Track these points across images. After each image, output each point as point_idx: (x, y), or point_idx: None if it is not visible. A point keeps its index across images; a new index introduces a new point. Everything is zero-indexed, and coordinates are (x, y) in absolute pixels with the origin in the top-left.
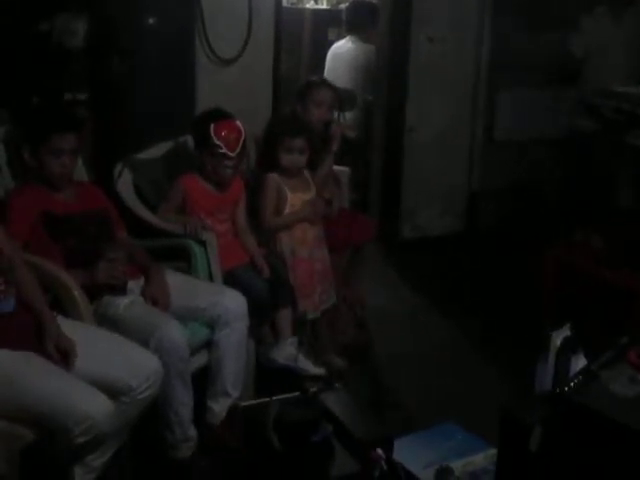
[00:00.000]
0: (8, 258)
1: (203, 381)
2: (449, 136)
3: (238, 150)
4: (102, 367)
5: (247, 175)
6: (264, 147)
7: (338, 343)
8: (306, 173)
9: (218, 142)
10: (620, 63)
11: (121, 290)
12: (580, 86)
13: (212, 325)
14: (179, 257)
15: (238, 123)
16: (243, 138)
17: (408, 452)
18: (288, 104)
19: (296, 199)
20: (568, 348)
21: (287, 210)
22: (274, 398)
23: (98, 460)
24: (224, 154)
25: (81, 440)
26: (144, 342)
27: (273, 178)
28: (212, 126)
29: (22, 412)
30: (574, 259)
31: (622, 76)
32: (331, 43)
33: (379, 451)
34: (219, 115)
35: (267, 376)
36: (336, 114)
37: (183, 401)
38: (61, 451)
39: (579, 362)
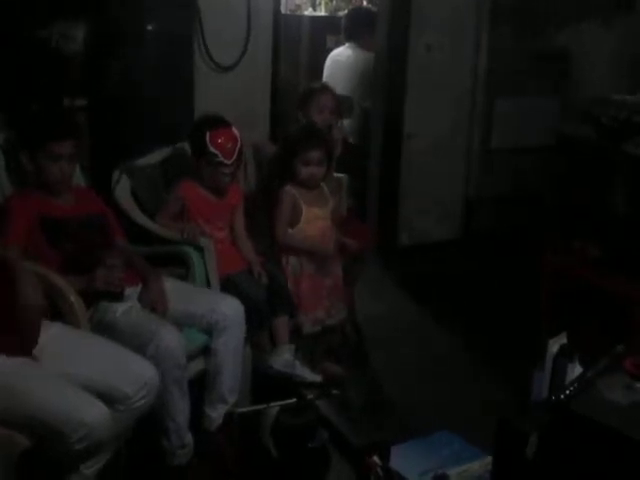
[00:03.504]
0: None
1: (200, 387)
2: (447, 143)
3: (234, 158)
4: (98, 375)
5: (250, 185)
6: (281, 160)
7: (331, 350)
8: (323, 186)
9: (214, 150)
10: (611, 70)
11: (118, 297)
12: (576, 94)
13: (209, 331)
14: (177, 263)
15: (234, 131)
16: (239, 146)
17: (404, 459)
18: (286, 111)
19: (311, 213)
20: (564, 356)
21: (301, 224)
22: (271, 405)
23: (92, 467)
24: (220, 162)
25: (78, 447)
26: (141, 348)
27: (289, 192)
28: (208, 134)
29: (21, 419)
30: (571, 266)
31: (613, 84)
32: (329, 50)
33: (375, 458)
34: (215, 122)
35: (264, 383)
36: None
37: (180, 408)
38: (58, 458)
39: (575, 370)
